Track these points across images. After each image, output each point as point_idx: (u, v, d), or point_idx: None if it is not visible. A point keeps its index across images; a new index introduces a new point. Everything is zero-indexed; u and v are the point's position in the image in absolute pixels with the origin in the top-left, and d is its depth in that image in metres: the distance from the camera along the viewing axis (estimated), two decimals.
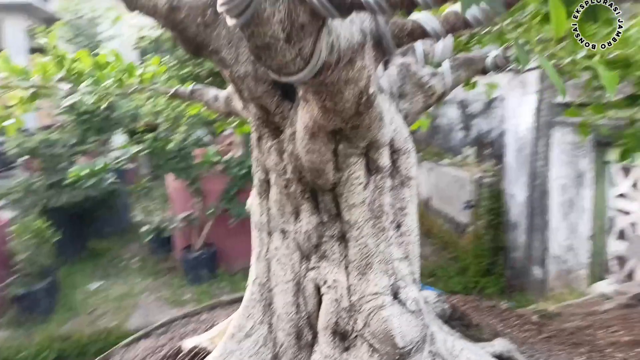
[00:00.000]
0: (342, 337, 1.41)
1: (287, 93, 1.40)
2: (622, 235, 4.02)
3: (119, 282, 6.03)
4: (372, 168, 1.38)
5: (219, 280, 5.89)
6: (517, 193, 5.14)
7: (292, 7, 0.78)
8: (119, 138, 9.21)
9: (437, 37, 1.12)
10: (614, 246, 4.09)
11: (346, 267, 1.42)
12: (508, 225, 5.35)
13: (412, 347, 1.34)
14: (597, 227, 4.15)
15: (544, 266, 4.78)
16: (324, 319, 1.42)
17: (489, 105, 5.96)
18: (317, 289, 1.47)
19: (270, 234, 1.55)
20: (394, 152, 1.43)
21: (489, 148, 5.97)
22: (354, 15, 0.99)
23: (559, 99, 4.47)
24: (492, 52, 1.73)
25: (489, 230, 5.56)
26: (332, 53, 0.93)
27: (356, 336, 1.38)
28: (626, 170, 3.92)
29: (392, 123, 1.39)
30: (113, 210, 7.52)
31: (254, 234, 1.60)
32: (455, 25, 1.13)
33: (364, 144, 1.30)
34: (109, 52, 2.09)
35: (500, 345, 1.68)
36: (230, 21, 0.79)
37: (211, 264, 6.01)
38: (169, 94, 2.13)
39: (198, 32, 1.25)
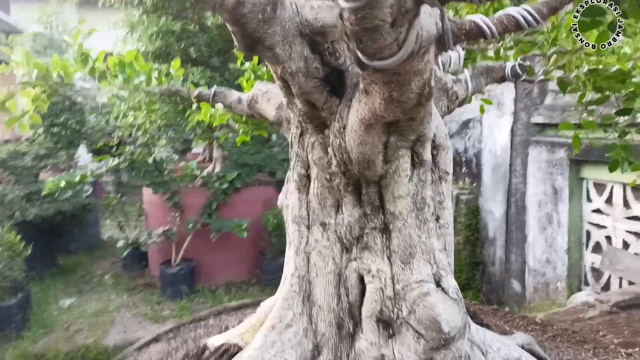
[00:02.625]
0: (386, 324, 1.46)
1: (335, 89, 1.47)
2: (597, 248, 4.23)
3: (93, 298, 5.84)
4: (416, 162, 1.45)
5: (199, 295, 5.79)
6: (494, 209, 5.34)
7: None
8: (84, 153, 8.98)
9: (493, 36, 1.22)
10: (590, 258, 4.30)
11: (389, 257, 1.48)
12: (485, 241, 5.53)
13: (456, 334, 1.40)
14: (574, 240, 4.36)
15: (522, 279, 4.96)
16: (369, 308, 1.46)
17: (464, 126, 6.20)
18: (360, 279, 1.51)
19: (309, 227, 1.59)
20: (434, 148, 1.51)
21: (465, 167, 6.18)
22: (430, 9, 1.08)
23: (535, 119, 4.72)
24: (511, 62, 1.86)
25: (466, 246, 5.73)
26: (417, 42, 1.00)
27: (401, 323, 1.43)
28: (600, 187, 4.16)
29: (435, 119, 1.48)
30: (82, 226, 7.31)
31: (292, 228, 1.64)
32: (508, 27, 1.23)
33: (413, 137, 1.38)
34: (129, 53, 2.10)
35: (520, 337, 1.77)
36: (345, 3, 0.86)
37: (191, 280, 5.92)
38: (193, 96, 2.16)
39: (257, 27, 1.31)
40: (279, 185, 6.74)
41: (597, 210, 4.20)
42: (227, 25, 1.36)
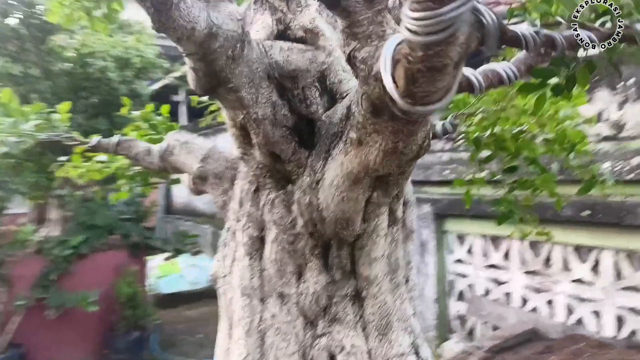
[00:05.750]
0: None
1: (303, 140, 1.30)
2: (461, 297, 4.54)
3: None
4: (390, 219, 1.34)
5: None
6: None
7: (471, 32, 0.76)
8: None
9: (481, 90, 1.19)
10: (455, 307, 4.58)
11: (364, 329, 1.31)
12: None
13: None
14: (440, 290, 4.62)
15: None
16: None
17: None
18: (331, 357, 1.31)
19: (263, 300, 1.35)
20: (404, 204, 1.42)
21: None
22: None
23: None
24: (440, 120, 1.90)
25: None
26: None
27: None
28: (461, 238, 4.52)
29: None
30: None
31: (240, 302, 1.37)
32: (493, 81, 1.22)
33: (395, 193, 1.27)
34: (4, 91, 1.68)
35: None
36: (413, 37, 0.73)
37: None
38: (89, 144, 1.78)
39: (225, 65, 1.11)
40: (133, 249, 6.03)
41: (459, 261, 4.53)
42: (189, 61, 1.13)
